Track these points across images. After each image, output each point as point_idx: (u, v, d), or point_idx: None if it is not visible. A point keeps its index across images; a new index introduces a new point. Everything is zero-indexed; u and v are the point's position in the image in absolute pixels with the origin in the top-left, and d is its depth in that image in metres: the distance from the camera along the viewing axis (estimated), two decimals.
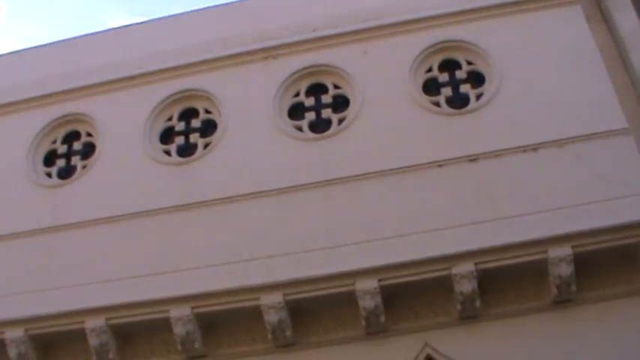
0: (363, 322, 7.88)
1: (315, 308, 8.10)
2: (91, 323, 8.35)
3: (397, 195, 8.33)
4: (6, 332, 8.53)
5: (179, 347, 8.22)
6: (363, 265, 7.88)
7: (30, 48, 11.21)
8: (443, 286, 7.80)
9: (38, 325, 8.54)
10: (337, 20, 9.73)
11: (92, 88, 10.15)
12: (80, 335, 8.42)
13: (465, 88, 9.21)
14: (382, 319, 7.86)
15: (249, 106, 9.33)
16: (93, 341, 8.35)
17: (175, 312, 8.22)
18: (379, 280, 7.80)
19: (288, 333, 8.00)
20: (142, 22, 10.66)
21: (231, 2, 10.39)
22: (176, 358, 8.44)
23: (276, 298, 7.99)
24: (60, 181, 9.74)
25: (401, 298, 7.94)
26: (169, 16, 10.56)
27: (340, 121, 9.27)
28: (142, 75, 10.01)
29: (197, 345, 8.21)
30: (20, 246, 9.28)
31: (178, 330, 8.09)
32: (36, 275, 8.96)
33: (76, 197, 9.44)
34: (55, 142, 10.18)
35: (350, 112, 9.27)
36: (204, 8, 10.54)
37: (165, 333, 8.31)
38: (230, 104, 9.45)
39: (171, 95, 9.86)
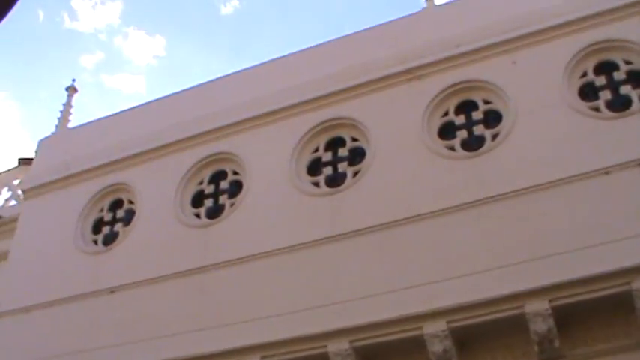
0: (536, 348, 7.63)
1: (482, 335, 7.97)
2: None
3: (561, 208, 8.01)
4: None
5: None
6: (531, 285, 7.68)
7: (170, 95, 12.06)
8: (623, 304, 7.46)
9: None
10: (481, 33, 9.72)
11: (236, 126, 10.77)
12: None
13: (625, 90, 8.83)
14: (556, 343, 7.58)
15: (397, 130, 9.50)
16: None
17: (333, 347, 8.26)
18: (550, 301, 7.55)
19: None
20: (279, 58, 11.14)
21: (369, 28, 10.64)
22: None
23: (439, 326, 7.87)
24: (209, 221, 10.25)
25: (575, 319, 7.67)
26: (306, 49, 10.96)
27: (494, 136, 9.12)
28: (283, 109, 10.44)
29: None
30: (174, 286, 9.84)
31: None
32: (191, 314, 9.56)
33: (225, 235, 10.04)
34: (201, 183, 10.85)
35: (503, 127, 9.10)
36: (340, 37, 10.87)
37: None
38: (377, 129, 9.67)
39: (316, 126, 10.27)
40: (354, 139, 10.07)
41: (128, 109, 12.74)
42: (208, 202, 10.66)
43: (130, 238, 10.90)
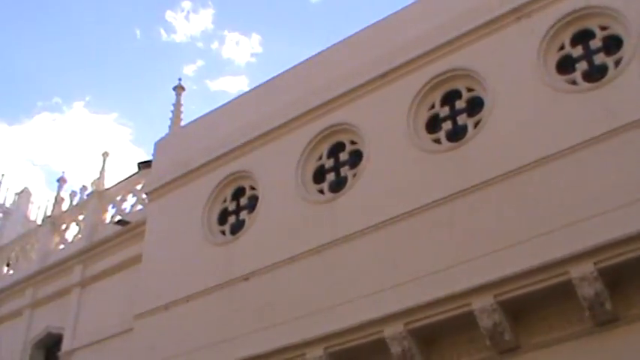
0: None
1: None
2: (390, 331, 8.92)
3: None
4: (307, 353, 9.51)
5: (487, 342, 8.47)
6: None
7: (275, 77, 12.54)
8: None
9: (338, 341, 9.36)
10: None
11: (347, 95, 11.05)
12: (381, 345, 9.00)
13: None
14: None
15: (513, 73, 9.25)
16: (395, 349, 8.88)
17: (478, 304, 8.28)
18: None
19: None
20: (378, 21, 11.19)
21: None
22: (485, 354, 8.63)
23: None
24: (334, 195, 10.55)
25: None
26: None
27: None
28: (392, 70, 10.63)
29: (507, 337, 8.37)
30: (307, 264, 10.17)
31: (484, 323, 8.28)
32: (328, 290, 9.84)
33: (353, 206, 10.28)
34: (320, 158, 11.22)
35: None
36: None
37: (472, 330, 8.54)
38: (493, 76, 9.51)
39: (431, 80, 10.17)
40: (470, 89, 9.95)
41: (235, 98, 13.19)
42: (330, 176, 10.82)
43: (256, 223, 11.28)
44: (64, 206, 17.10)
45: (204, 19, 52.96)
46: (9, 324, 16.24)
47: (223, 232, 11.91)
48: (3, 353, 15.81)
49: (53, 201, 17.42)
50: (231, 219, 11.94)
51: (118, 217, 14.97)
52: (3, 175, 27.85)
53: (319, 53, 11.91)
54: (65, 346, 14.32)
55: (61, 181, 17.75)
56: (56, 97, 57.61)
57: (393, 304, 8.93)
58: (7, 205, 25.09)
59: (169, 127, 14.85)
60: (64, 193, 17.35)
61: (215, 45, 53.12)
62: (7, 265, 17.93)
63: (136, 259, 13.45)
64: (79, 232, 16.06)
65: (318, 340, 9.42)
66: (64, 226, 16.76)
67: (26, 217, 24.35)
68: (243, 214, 11.77)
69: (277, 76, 12.45)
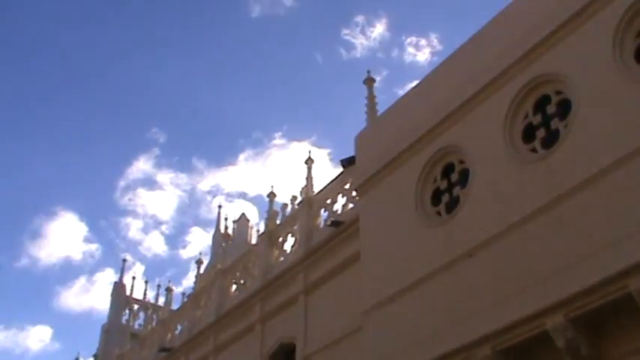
0: None
1: None
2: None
3: None
4: (547, 323, 9.39)
5: None
6: None
7: (462, 45, 12.55)
8: None
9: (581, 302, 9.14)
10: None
11: (547, 42, 10.89)
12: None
13: None
14: None
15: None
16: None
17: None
18: None
19: None
20: None
21: None
22: None
23: None
24: (547, 151, 10.56)
25: None
26: None
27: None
28: (588, 5, 10.22)
29: None
30: (532, 229, 10.20)
31: None
32: (554, 253, 9.71)
33: (569, 161, 10.07)
34: (526, 116, 11.16)
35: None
36: None
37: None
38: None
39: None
40: None
41: (426, 77, 13.49)
42: (540, 132, 10.72)
43: (471, 196, 11.47)
44: (278, 220, 18.34)
45: (380, 29, 54.25)
46: (243, 341, 17.75)
47: (439, 213, 12.17)
48: None
49: (266, 217, 18.59)
50: (445, 197, 12.15)
51: (330, 220, 15.64)
52: (220, 206, 30.16)
53: (501, 12, 11.93)
54: (299, 354, 15.36)
55: (271, 195, 18.95)
56: (256, 131, 61.73)
57: None
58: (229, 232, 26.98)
59: (366, 119, 15.32)
60: (276, 209, 18.63)
61: (395, 52, 54.22)
62: (235, 284, 19.34)
63: (355, 257, 14.13)
64: (295, 242, 17.07)
65: (561, 304, 9.27)
66: (280, 239, 17.88)
67: (247, 243, 26.03)
68: (456, 190, 11.96)
69: (462, 45, 12.68)
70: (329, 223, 15.66)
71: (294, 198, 17.79)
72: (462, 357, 10.35)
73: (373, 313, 12.40)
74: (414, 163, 12.79)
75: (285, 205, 18.19)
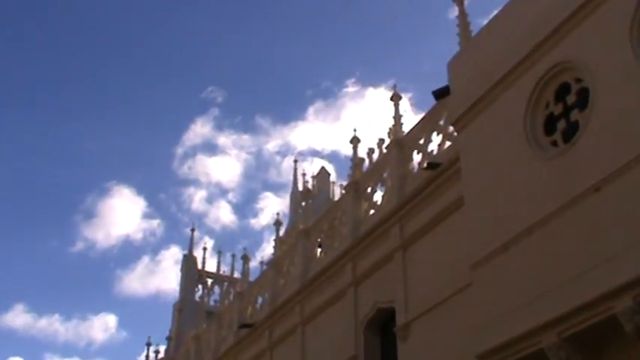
0: None
1: None
2: None
3: None
4: None
5: None
6: None
7: None
8: None
9: None
10: None
11: None
12: None
13: None
14: None
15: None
16: None
17: None
18: None
19: None
20: None
21: None
22: None
23: None
24: None
25: None
26: None
27: None
28: None
29: None
30: None
31: None
32: None
33: None
34: None
35: None
36: None
37: None
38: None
39: None
40: None
41: None
42: None
43: (593, 120, 11.08)
44: (365, 169, 18.41)
45: None
46: (334, 308, 17.94)
47: (554, 143, 11.86)
48: (333, 339, 17.33)
49: (351, 165, 18.77)
50: (561, 124, 11.82)
51: (426, 162, 15.53)
52: (296, 160, 30.38)
53: None
54: (399, 320, 15.35)
55: (354, 140, 18.91)
56: (325, 80, 61.68)
57: None
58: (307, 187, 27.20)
59: (459, 43, 15.08)
60: (361, 154, 18.69)
61: None
62: (319, 247, 19.50)
63: (457, 203, 14.04)
64: (386, 191, 17.02)
65: None
66: (368, 190, 17.88)
67: (329, 200, 26.17)
68: (574, 114, 11.59)
69: None
70: (424, 166, 15.53)
71: (381, 141, 17.76)
72: (603, 308, 10.14)
73: (485, 267, 12.22)
74: (520, 86, 12.42)
75: (372, 150, 18.18)
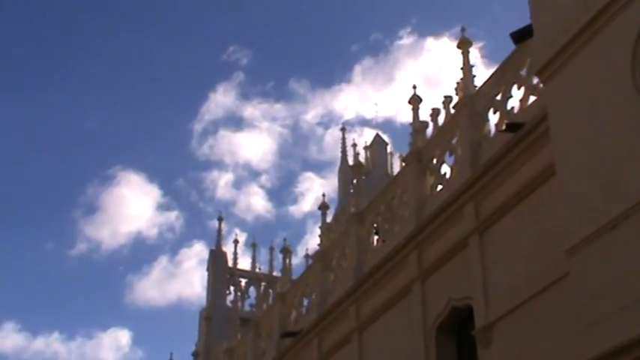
0: None
1: None
2: None
3: None
4: None
5: None
6: None
7: None
8: None
9: None
10: None
11: None
12: None
13: None
14: None
15: None
16: None
17: None
18: None
19: None
20: None
21: None
22: None
23: None
24: None
25: None
26: None
27: None
28: None
29: None
30: None
31: None
32: None
33: None
34: None
35: None
36: None
37: None
38: None
39: None
40: None
41: None
42: None
43: None
44: (428, 135, 18.28)
45: None
46: (397, 308, 17.84)
47: None
48: (397, 346, 17.39)
49: (411, 131, 18.67)
50: None
51: (504, 123, 15.36)
52: (344, 128, 30.32)
53: None
54: (479, 320, 15.16)
55: (414, 100, 18.70)
56: (374, 32, 61.20)
57: None
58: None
59: None
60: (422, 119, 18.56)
61: None
62: (376, 234, 19.38)
63: (546, 173, 13.86)
64: (457, 161, 16.94)
65: None
66: (434, 160, 17.75)
67: (387, 175, 26.08)
68: None
69: None
70: (503, 127, 15.33)
71: (447, 100, 17.58)
72: None
73: (585, 251, 12.00)
74: (625, 21, 12.05)
75: (436, 111, 18.00)
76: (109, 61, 62.25)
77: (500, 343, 14.59)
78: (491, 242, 15.35)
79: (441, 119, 17.95)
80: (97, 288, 67.40)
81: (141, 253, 67.83)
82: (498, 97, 16.07)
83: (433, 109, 18.11)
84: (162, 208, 75.83)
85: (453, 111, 17.37)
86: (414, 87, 19.09)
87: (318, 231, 23.07)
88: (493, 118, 16.22)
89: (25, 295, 66.12)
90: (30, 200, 65.71)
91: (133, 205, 70.23)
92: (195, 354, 29.84)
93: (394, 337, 17.69)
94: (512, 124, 15.02)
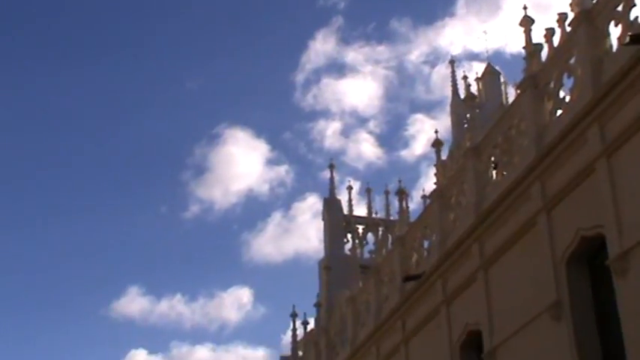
0: None
1: None
2: None
3: None
4: None
5: None
6: None
7: None
8: None
9: None
10: None
11: None
12: None
13: None
14: None
15: None
16: None
17: None
18: None
19: None
20: None
21: None
22: None
23: None
24: None
25: None
26: None
27: None
28: None
29: None
30: None
31: None
32: None
33: None
34: None
35: None
36: None
37: None
38: None
39: None
40: None
41: None
42: None
43: None
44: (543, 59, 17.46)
45: None
46: (523, 242, 17.37)
47: None
48: (525, 283, 16.95)
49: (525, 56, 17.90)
50: None
51: (628, 36, 14.52)
52: (453, 61, 29.65)
53: None
54: (612, 249, 14.56)
55: (525, 21, 17.92)
56: None
57: None
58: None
59: None
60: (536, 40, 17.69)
61: None
62: (494, 167, 18.88)
63: None
64: (577, 83, 16.13)
65: None
66: (552, 84, 17.04)
67: (501, 107, 25.42)
68: None
69: None
70: (626, 40, 14.46)
71: (562, 17, 16.73)
72: None
73: None
74: None
75: (551, 31, 17.15)
76: (205, 20, 62.21)
77: (638, 272, 13.93)
78: (621, 165, 14.63)
79: (556, 40, 17.14)
80: (214, 248, 67.93)
81: (254, 211, 67.81)
82: (619, 8, 15.16)
83: (547, 29, 17.29)
84: (271, 163, 75.74)
85: (568, 29, 16.56)
86: (525, 7, 18.25)
87: (432, 174, 22.61)
88: (614, 31, 15.33)
89: (146, 260, 67.13)
90: (140, 167, 66.33)
91: (241, 163, 70.35)
92: (317, 305, 29.70)
93: (521, 273, 17.21)
94: (637, 36, 14.15)
